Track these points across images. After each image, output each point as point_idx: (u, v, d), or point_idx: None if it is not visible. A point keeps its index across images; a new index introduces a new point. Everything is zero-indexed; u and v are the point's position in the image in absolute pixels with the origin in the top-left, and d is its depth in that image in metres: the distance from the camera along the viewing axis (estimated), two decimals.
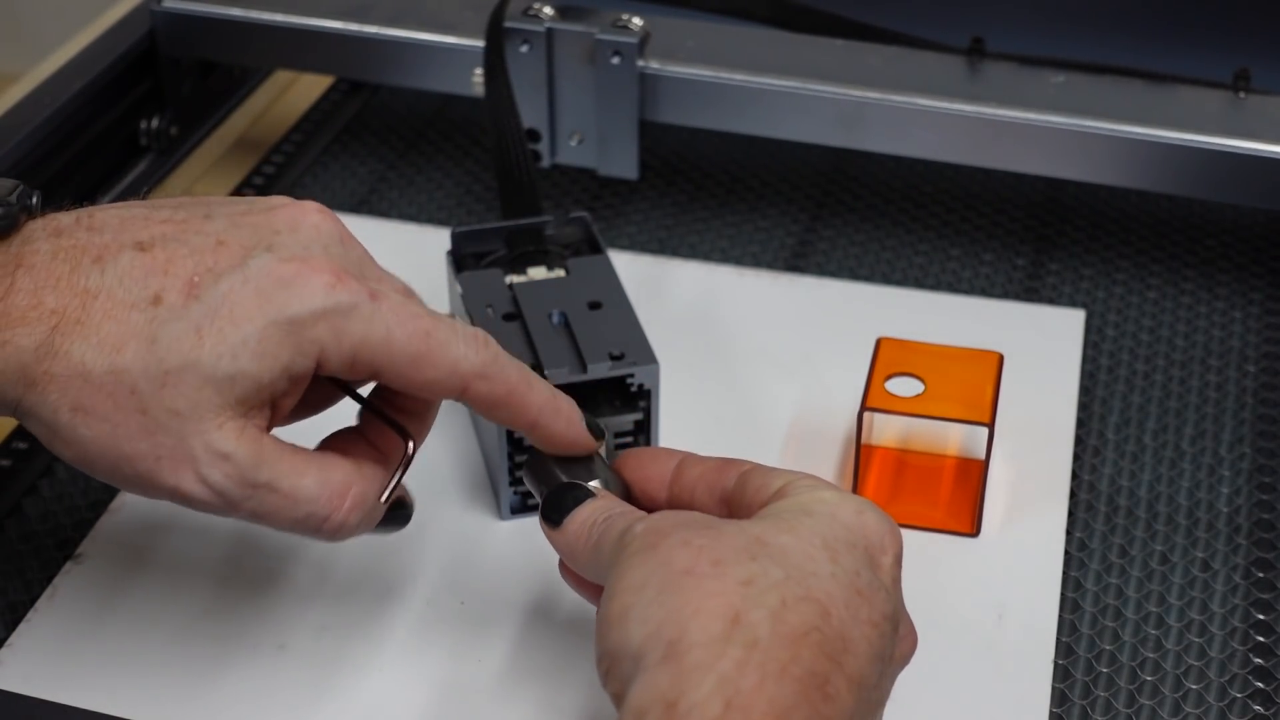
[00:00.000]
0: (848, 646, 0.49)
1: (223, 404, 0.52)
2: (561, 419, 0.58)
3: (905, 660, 0.53)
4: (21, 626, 0.63)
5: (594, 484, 0.58)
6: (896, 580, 0.53)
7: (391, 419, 0.57)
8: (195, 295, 0.53)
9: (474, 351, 0.55)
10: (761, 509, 0.54)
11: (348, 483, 0.55)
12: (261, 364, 0.52)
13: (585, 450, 0.59)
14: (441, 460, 0.70)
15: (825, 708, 0.47)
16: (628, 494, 0.59)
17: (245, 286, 0.53)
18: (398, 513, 0.59)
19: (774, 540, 0.50)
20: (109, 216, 0.55)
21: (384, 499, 0.57)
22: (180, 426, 0.52)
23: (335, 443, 0.57)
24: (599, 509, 0.56)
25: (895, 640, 0.51)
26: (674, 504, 0.58)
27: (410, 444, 0.57)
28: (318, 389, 0.57)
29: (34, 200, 0.54)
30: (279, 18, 0.86)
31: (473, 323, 0.67)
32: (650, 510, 0.55)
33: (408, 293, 0.57)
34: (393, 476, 0.57)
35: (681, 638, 0.48)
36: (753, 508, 0.54)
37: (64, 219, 0.55)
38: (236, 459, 0.53)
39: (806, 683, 0.47)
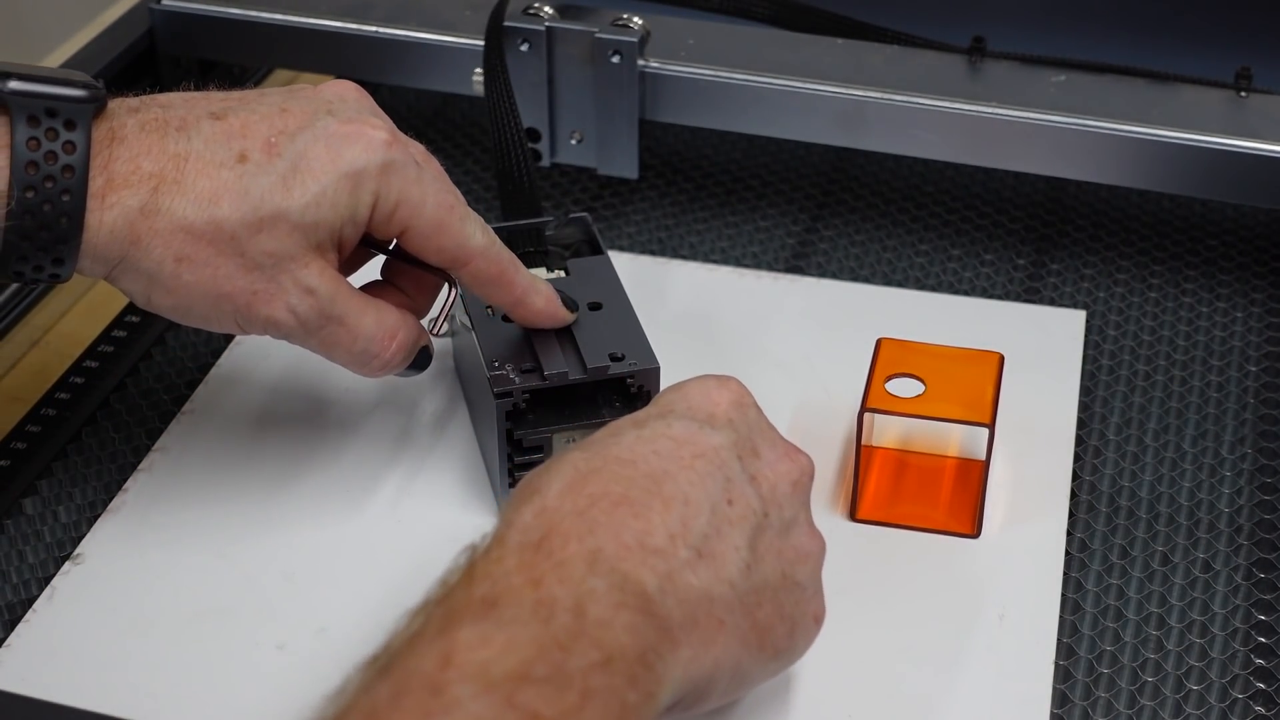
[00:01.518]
0: (663, 478, 0.54)
1: (308, 246, 0.60)
2: (540, 297, 0.65)
3: (793, 479, 0.57)
4: (20, 627, 0.63)
5: None
6: (738, 420, 0.57)
7: (430, 265, 0.64)
8: (276, 152, 0.60)
9: (480, 232, 0.64)
10: None
11: (397, 326, 0.63)
12: (335, 212, 0.60)
13: (563, 322, 0.66)
14: (441, 460, 0.70)
15: (622, 513, 0.52)
16: None
17: (317, 143, 0.60)
18: (422, 357, 0.66)
19: (594, 436, 0.57)
20: (172, 97, 0.62)
21: (437, 332, 0.66)
22: (274, 266, 0.60)
23: (374, 292, 0.65)
24: None
25: (747, 464, 0.56)
26: None
27: (454, 285, 0.66)
28: (357, 251, 0.65)
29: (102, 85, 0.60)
30: (278, 17, 0.86)
31: (472, 324, 0.67)
32: None
33: (427, 156, 0.65)
34: (442, 315, 0.66)
35: (504, 516, 0.54)
36: None
37: (132, 101, 0.61)
38: (319, 293, 0.61)
39: (599, 497, 0.52)
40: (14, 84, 0.57)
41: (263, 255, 0.60)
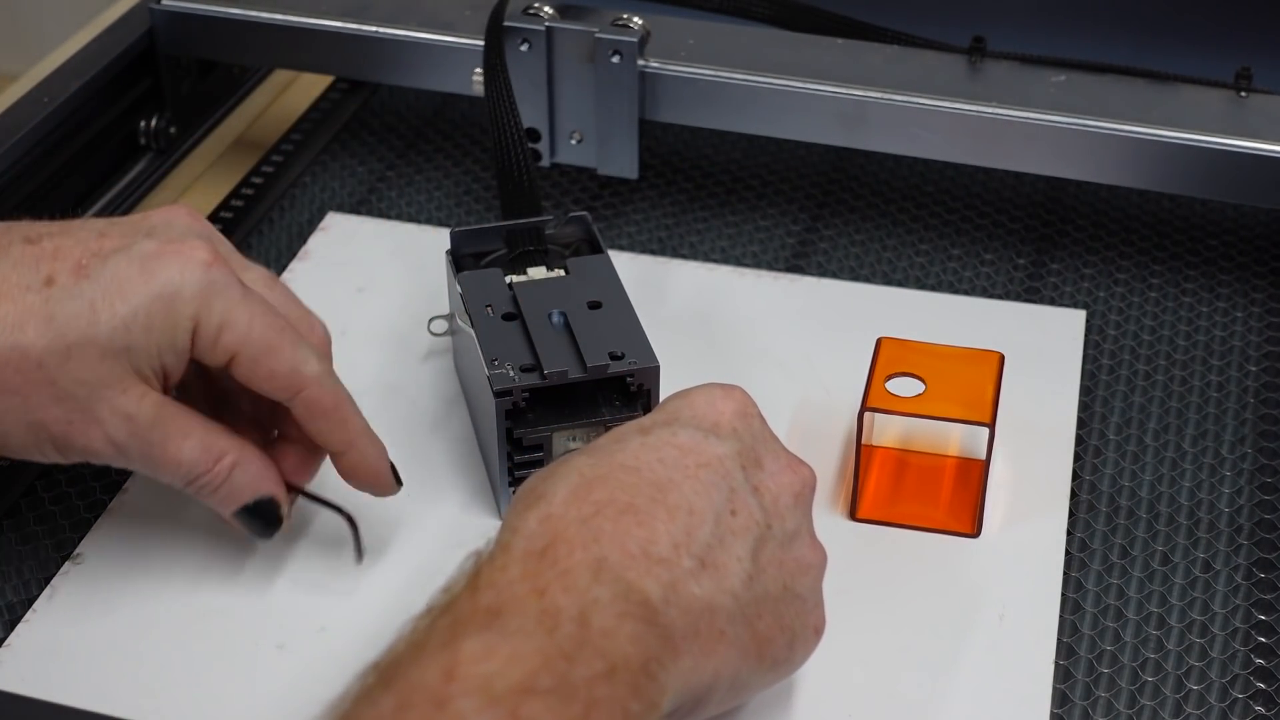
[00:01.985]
0: (668, 487, 0.54)
1: (123, 372, 0.57)
2: (375, 448, 0.62)
3: (795, 491, 0.57)
4: (20, 627, 0.63)
5: None
6: (742, 430, 0.57)
7: (335, 505, 0.63)
8: (85, 275, 0.57)
9: (316, 360, 0.60)
10: None
11: (225, 449, 0.60)
12: (150, 337, 0.57)
13: (387, 489, 0.63)
14: (441, 460, 0.70)
15: (626, 521, 0.52)
16: None
17: (131, 265, 0.57)
18: (266, 511, 0.61)
19: (598, 442, 0.56)
20: None
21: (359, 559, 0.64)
22: (88, 394, 0.57)
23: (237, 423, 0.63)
24: None
25: (751, 475, 0.56)
26: None
27: (354, 525, 0.64)
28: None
29: None
30: (278, 17, 0.86)
31: (472, 323, 0.67)
32: None
33: (271, 280, 0.63)
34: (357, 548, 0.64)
35: (508, 521, 0.54)
36: None
37: None
38: (138, 419, 0.58)
39: (604, 505, 0.52)
40: None
41: (74, 384, 0.57)
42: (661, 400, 0.60)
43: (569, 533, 0.51)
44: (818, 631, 0.57)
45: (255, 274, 0.62)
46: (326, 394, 0.61)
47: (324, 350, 0.64)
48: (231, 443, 0.60)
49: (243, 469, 0.60)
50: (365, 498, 0.64)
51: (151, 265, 0.57)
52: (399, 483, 0.64)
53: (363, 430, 0.62)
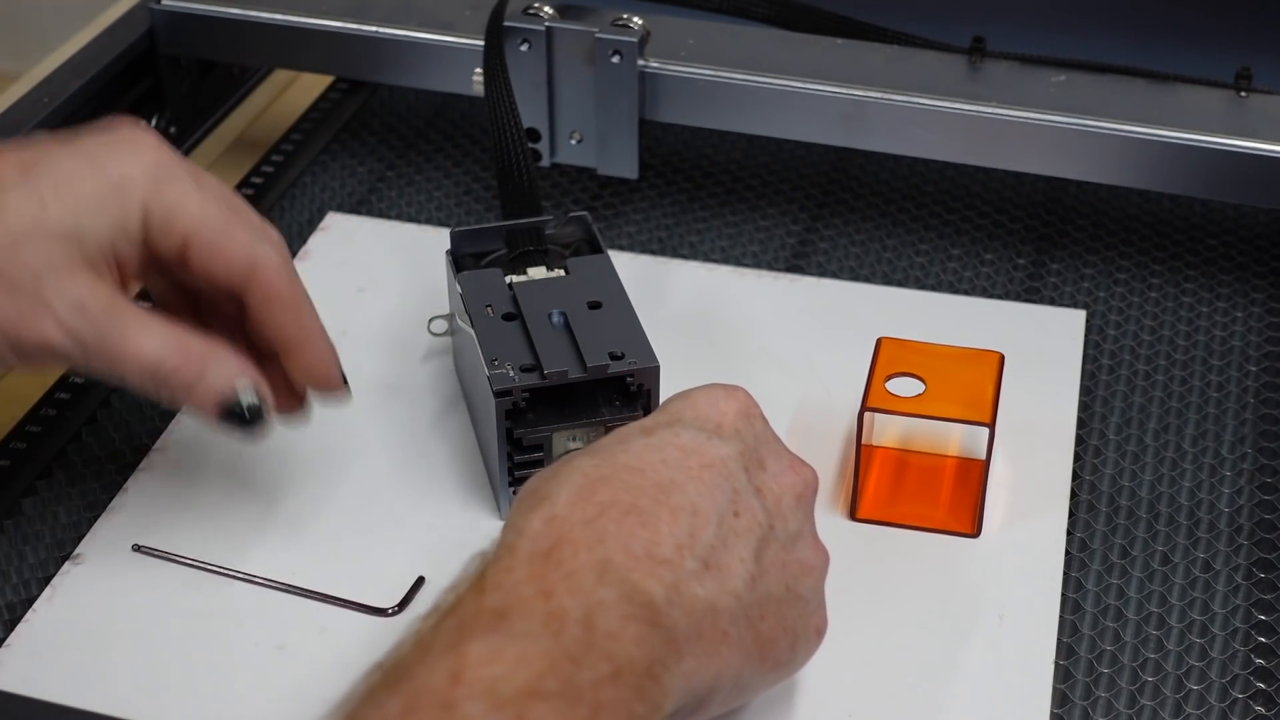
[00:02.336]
0: (672, 488, 0.54)
1: (72, 259, 0.57)
2: (329, 347, 0.61)
3: (797, 492, 0.57)
4: (20, 627, 0.63)
5: None
6: (745, 431, 0.57)
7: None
8: (31, 171, 0.57)
9: (269, 244, 0.60)
10: None
11: (195, 344, 0.58)
12: (99, 220, 0.57)
13: (336, 389, 0.62)
14: (441, 460, 0.70)
15: (630, 522, 0.52)
16: None
17: (78, 158, 0.58)
18: (250, 406, 0.59)
19: (601, 442, 0.56)
20: None
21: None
22: (36, 283, 0.56)
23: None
24: None
25: (753, 476, 0.56)
26: None
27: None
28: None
29: None
30: (278, 17, 0.86)
31: (472, 323, 0.67)
32: None
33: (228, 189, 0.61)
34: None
35: (513, 522, 0.53)
36: None
37: None
38: (91, 306, 0.57)
39: (608, 506, 0.52)
40: None
41: (22, 271, 0.56)
42: (663, 400, 0.60)
43: (574, 534, 0.51)
44: (820, 632, 0.57)
45: (211, 179, 0.61)
46: (284, 281, 0.60)
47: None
48: (200, 339, 0.58)
49: (218, 361, 0.58)
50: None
51: (100, 156, 0.58)
52: (347, 388, 0.63)
53: (319, 329, 0.61)
